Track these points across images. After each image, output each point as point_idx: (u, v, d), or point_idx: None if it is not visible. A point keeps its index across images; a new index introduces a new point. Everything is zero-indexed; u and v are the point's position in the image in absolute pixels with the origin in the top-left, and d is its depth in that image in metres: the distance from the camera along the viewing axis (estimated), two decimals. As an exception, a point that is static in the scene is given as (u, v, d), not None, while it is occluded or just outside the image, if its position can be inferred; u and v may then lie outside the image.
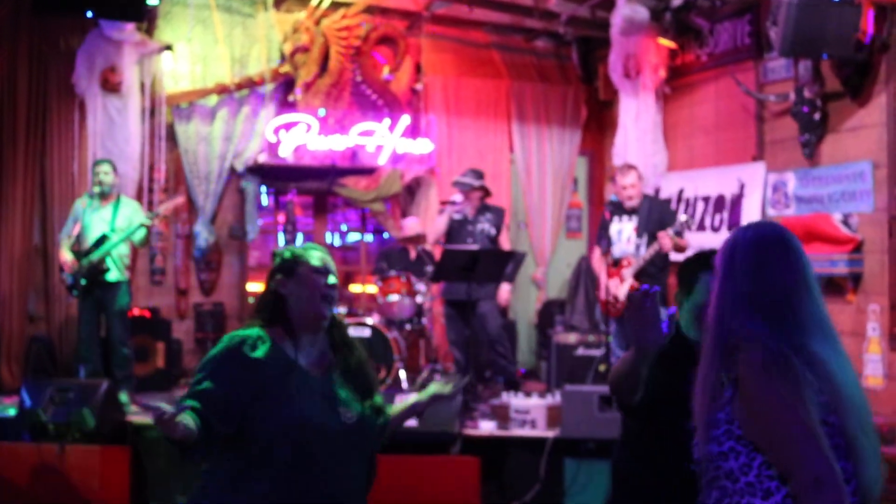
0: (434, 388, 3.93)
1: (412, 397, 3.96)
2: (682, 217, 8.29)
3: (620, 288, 8.35)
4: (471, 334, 8.87)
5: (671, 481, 3.55)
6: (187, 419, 3.13)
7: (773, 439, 2.60)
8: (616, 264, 8.48)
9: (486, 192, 9.40)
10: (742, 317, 2.69)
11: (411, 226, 10.18)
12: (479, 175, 9.29)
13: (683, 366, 3.14)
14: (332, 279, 3.57)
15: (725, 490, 2.67)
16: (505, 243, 9.38)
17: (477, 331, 9.25)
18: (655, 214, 8.51)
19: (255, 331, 3.46)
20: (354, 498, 3.52)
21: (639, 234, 8.45)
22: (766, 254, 2.75)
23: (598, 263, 8.79)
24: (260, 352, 3.39)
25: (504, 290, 9.46)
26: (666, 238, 8.07)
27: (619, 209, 8.59)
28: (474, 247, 8.69)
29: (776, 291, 2.70)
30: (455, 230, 9.08)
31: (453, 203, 9.10)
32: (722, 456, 2.67)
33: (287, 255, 3.59)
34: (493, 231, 9.19)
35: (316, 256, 3.59)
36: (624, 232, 8.54)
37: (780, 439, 2.58)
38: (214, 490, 3.36)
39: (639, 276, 8.24)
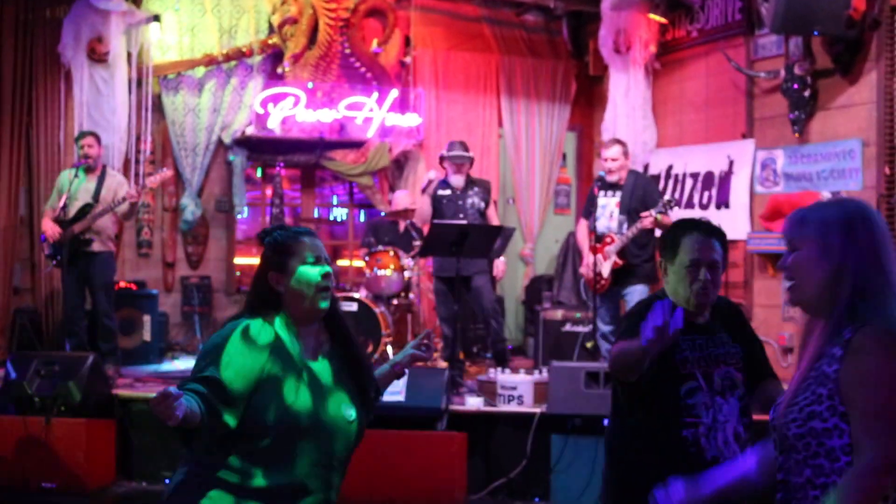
0: (412, 349, 3.85)
1: (389, 361, 3.90)
2: (665, 198, 8.29)
3: (604, 265, 8.31)
4: (459, 310, 8.84)
5: (665, 451, 3.58)
6: (191, 403, 2.99)
7: (868, 410, 2.53)
8: (599, 240, 8.39)
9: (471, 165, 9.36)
10: (854, 293, 2.63)
11: (401, 199, 10.11)
12: (466, 147, 9.23)
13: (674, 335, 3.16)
14: (326, 269, 3.44)
15: (821, 469, 2.61)
16: (493, 217, 9.32)
17: (472, 306, 9.23)
18: (639, 192, 8.43)
19: (257, 320, 3.33)
20: (336, 490, 3.43)
21: (621, 210, 8.38)
22: (879, 230, 2.69)
23: (583, 237, 8.71)
24: (264, 341, 3.28)
25: (499, 262, 9.41)
26: (649, 218, 8.03)
27: (603, 184, 8.52)
28: (463, 222, 8.64)
29: (886, 267, 2.65)
30: (444, 206, 9.00)
31: (430, 182, 9.02)
32: (826, 433, 2.60)
33: (277, 247, 3.43)
34: (482, 205, 9.12)
35: (307, 247, 3.43)
36: (607, 207, 8.46)
37: (876, 413, 2.52)
38: (205, 478, 3.26)
39: (622, 253, 8.21)
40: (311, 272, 3.40)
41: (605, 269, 8.29)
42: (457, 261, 8.29)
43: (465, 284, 8.95)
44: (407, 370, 3.89)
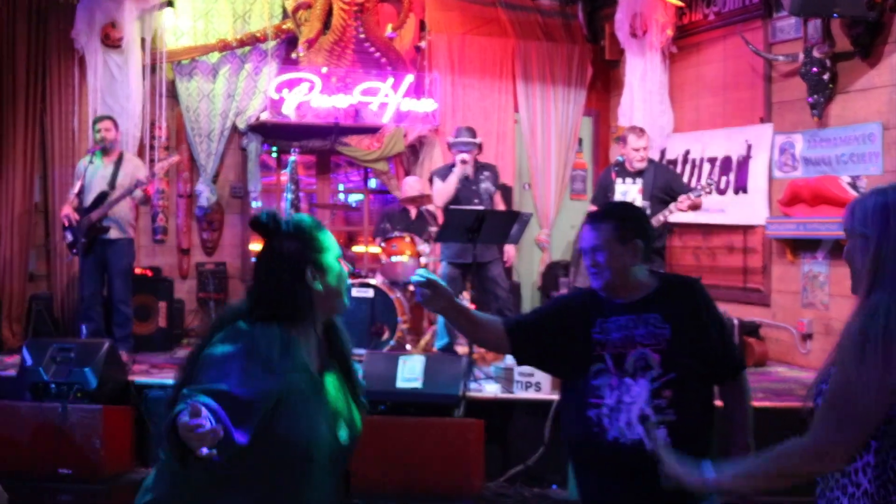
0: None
1: None
2: (703, 181, 8.47)
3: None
4: (476, 295, 8.78)
5: (572, 430, 3.66)
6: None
7: (828, 398, 2.62)
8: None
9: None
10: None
11: (412, 185, 10.08)
12: (473, 133, 9.17)
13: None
14: (348, 265, 3.16)
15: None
16: (500, 202, 9.28)
17: (486, 294, 9.17)
18: (661, 180, 8.49)
19: (275, 328, 2.92)
20: None
21: (644, 197, 8.41)
22: None
23: None
24: (281, 352, 2.88)
25: (510, 248, 9.37)
26: (687, 202, 8.15)
27: (623, 171, 8.55)
28: (479, 207, 8.61)
29: None
30: (459, 192, 8.95)
31: (464, 163, 8.94)
32: None
33: (309, 238, 3.04)
34: (493, 189, 9.10)
35: (332, 239, 3.10)
36: (628, 193, 8.48)
37: (832, 402, 2.61)
38: (189, 494, 2.88)
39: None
40: (343, 268, 3.12)
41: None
42: (473, 247, 8.25)
43: (480, 272, 8.90)
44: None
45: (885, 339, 2.53)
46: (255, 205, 11.35)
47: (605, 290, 3.68)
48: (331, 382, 3.07)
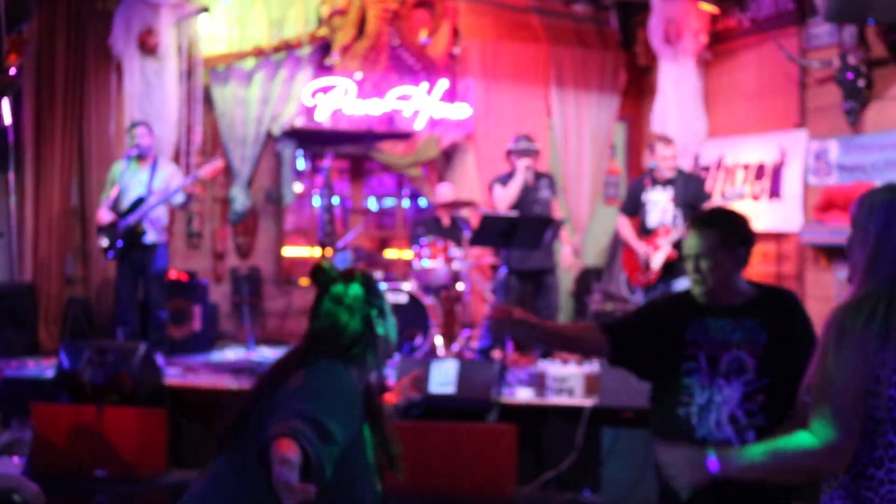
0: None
1: None
2: (736, 188, 8.58)
3: (654, 255, 8.32)
4: (531, 300, 8.83)
5: (662, 429, 3.65)
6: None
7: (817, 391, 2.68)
8: (650, 233, 8.44)
9: None
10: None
11: (444, 192, 10.13)
12: (532, 139, 9.25)
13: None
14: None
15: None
16: (557, 209, 9.34)
17: (537, 304, 9.20)
18: (692, 188, 8.50)
19: (351, 371, 3.10)
20: None
21: (676, 204, 8.43)
22: None
23: (629, 230, 8.75)
24: (357, 391, 3.05)
25: (566, 252, 9.44)
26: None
27: (655, 179, 8.58)
28: (514, 213, 8.64)
29: None
30: (519, 198, 9.03)
31: (527, 168, 8.99)
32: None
33: (374, 289, 3.22)
34: (551, 196, 9.17)
35: (387, 299, 3.27)
36: (660, 202, 8.51)
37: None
38: None
39: (677, 244, 8.20)
40: (394, 325, 3.25)
41: (657, 261, 8.27)
42: (535, 253, 8.44)
43: (535, 279, 8.99)
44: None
45: (863, 331, 2.60)
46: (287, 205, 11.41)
47: (709, 297, 3.68)
48: (366, 432, 3.15)
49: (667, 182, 8.53)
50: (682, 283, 8.16)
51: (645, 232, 8.49)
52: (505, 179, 9.13)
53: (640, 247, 8.50)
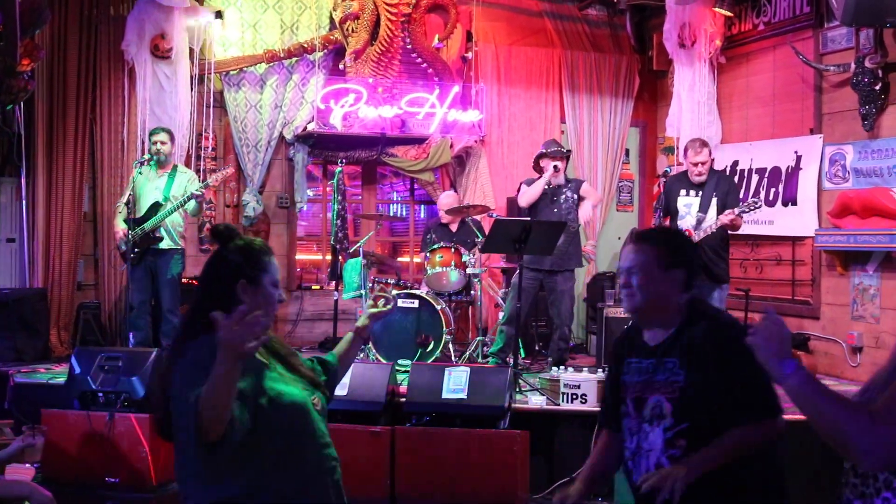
0: (368, 309, 3.82)
1: (351, 330, 3.85)
2: (750, 200, 8.42)
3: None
4: (521, 306, 8.78)
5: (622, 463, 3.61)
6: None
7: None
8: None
9: None
10: None
11: (445, 202, 10.14)
12: (560, 143, 9.26)
13: None
14: (282, 295, 3.36)
15: None
16: (585, 213, 9.35)
17: (552, 302, 9.19)
18: (722, 189, 8.42)
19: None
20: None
21: (701, 209, 8.36)
22: None
23: None
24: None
25: (589, 246, 9.44)
26: (730, 216, 8.03)
27: (686, 183, 8.52)
28: (525, 218, 8.61)
29: None
30: (539, 201, 9.01)
31: (557, 169, 8.96)
32: None
33: (251, 257, 3.25)
34: (576, 198, 9.13)
35: (275, 264, 3.31)
36: (693, 206, 8.46)
37: None
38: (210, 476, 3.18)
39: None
40: (274, 293, 3.29)
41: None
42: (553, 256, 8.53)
43: (552, 280, 8.97)
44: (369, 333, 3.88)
45: None
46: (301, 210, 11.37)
47: (636, 315, 3.55)
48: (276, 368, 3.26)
49: (699, 186, 8.47)
50: (701, 288, 8.11)
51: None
52: (533, 181, 9.12)
53: None
